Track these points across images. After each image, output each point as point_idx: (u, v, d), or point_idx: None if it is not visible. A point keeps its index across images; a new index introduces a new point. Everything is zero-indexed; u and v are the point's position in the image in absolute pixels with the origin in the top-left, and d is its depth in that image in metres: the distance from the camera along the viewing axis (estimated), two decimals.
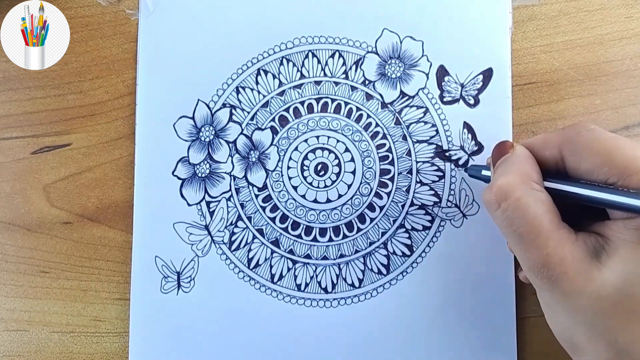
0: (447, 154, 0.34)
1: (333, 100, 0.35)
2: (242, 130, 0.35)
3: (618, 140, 0.24)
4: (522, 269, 0.30)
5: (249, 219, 0.35)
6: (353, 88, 0.35)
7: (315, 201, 0.35)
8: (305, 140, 0.35)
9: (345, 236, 0.35)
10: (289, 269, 0.35)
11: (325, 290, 0.34)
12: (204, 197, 0.35)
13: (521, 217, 0.24)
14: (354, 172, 0.35)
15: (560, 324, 0.25)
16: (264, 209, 0.35)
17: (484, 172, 0.31)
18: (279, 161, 0.35)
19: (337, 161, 0.35)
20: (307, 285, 0.35)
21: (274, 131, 0.35)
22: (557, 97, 0.34)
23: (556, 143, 0.27)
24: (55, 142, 0.36)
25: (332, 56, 0.35)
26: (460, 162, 0.34)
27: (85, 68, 0.36)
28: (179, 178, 0.35)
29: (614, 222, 0.25)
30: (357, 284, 0.34)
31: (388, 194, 0.35)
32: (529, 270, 0.25)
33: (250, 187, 0.35)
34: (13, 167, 0.36)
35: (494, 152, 0.29)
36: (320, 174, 0.35)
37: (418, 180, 0.34)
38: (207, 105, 0.35)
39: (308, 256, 0.35)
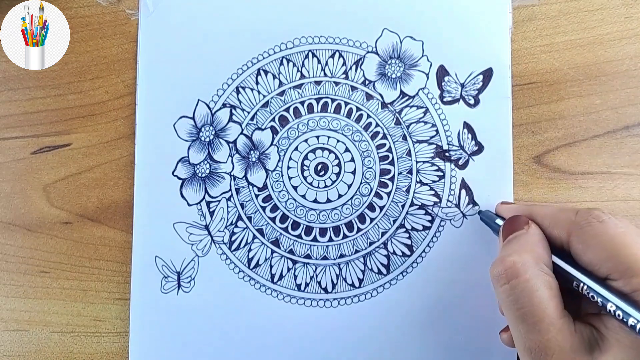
0: (447, 154, 0.34)
1: (333, 100, 0.35)
2: (242, 130, 0.35)
3: (627, 237, 0.24)
4: (505, 331, 0.30)
5: (249, 219, 0.35)
6: (353, 88, 0.35)
7: (315, 201, 0.35)
8: (306, 140, 0.35)
9: (345, 236, 0.35)
10: (289, 269, 0.35)
11: (325, 290, 0.34)
12: (204, 197, 0.35)
13: (527, 299, 0.24)
14: (354, 172, 0.35)
15: None
16: (264, 209, 0.35)
17: (498, 221, 0.31)
18: (279, 161, 0.35)
19: (337, 161, 0.35)
20: (307, 285, 0.35)
21: (274, 131, 0.35)
22: (557, 97, 0.34)
23: (566, 225, 0.27)
24: (55, 142, 0.36)
25: (332, 56, 0.35)
26: (460, 162, 0.34)
27: (85, 68, 0.36)
28: (179, 178, 0.35)
29: (610, 318, 0.25)
30: (357, 284, 0.34)
31: (388, 194, 0.35)
32: (525, 350, 0.25)
33: (250, 187, 0.35)
34: (13, 167, 0.37)
35: (506, 225, 0.29)
36: (321, 174, 0.35)
37: (418, 180, 0.34)
38: (207, 105, 0.35)
39: (308, 256, 0.35)
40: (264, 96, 0.35)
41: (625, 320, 0.23)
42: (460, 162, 0.34)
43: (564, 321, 0.24)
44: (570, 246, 0.26)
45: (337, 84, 0.35)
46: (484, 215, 0.33)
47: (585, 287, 0.25)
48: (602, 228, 0.25)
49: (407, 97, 0.35)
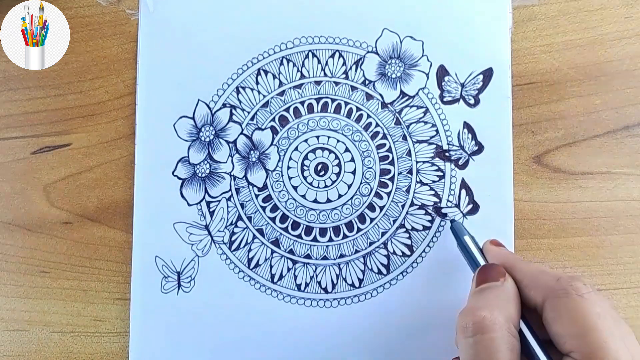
0: (447, 153, 0.34)
1: (333, 100, 0.35)
2: (242, 130, 0.35)
3: (600, 321, 0.23)
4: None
5: (249, 218, 0.35)
6: (353, 88, 0.35)
7: (315, 201, 0.35)
8: (306, 140, 0.35)
9: (345, 236, 0.35)
10: (289, 269, 0.35)
11: (325, 290, 0.34)
12: (204, 197, 0.35)
13: (487, 357, 0.24)
14: (354, 172, 0.35)
15: None
16: (264, 209, 0.35)
17: (466, 238, 0.31)
18: (279, 161, 0.35)
19: (337, 161, 0.35)
20: (307, 285, 0.35)
21: (274, 131, 0.35)
22: (557, 97, 0.34)
23: (544, 290, 0.26)
24: (55, 142, 0.36)
25: (332, 56, 0.35)
26: (460, 162, 0.34)
27: (85, 68, 0.36)
28: (179, 178, 0.35)
29: None
30: (357, 284, 0.34)
31: (388, 194, 0.35)
32: None
33: (250, 187, 0.35)
34: (13, 167, 0.37)
35: (481, 272, 0.28)
36: (321, 174, 0.35)
37: (418, 180, 0.34)
38: (207, 105, 0.35)
39: (308, 256, 0.35)
40: (264, 96, 0.35)
41: None
42: (460, 162, 0.34)
43: None
44: (542, 311, 0.26)
45: (337, 84, 0.35)
46: (455, 226, 0.32)
47: None
48: (578, 303, 0.24)
49: (407, 97, 0.35)
